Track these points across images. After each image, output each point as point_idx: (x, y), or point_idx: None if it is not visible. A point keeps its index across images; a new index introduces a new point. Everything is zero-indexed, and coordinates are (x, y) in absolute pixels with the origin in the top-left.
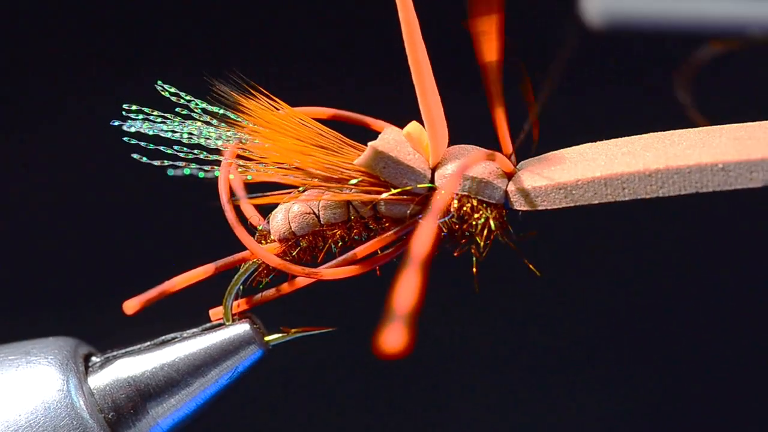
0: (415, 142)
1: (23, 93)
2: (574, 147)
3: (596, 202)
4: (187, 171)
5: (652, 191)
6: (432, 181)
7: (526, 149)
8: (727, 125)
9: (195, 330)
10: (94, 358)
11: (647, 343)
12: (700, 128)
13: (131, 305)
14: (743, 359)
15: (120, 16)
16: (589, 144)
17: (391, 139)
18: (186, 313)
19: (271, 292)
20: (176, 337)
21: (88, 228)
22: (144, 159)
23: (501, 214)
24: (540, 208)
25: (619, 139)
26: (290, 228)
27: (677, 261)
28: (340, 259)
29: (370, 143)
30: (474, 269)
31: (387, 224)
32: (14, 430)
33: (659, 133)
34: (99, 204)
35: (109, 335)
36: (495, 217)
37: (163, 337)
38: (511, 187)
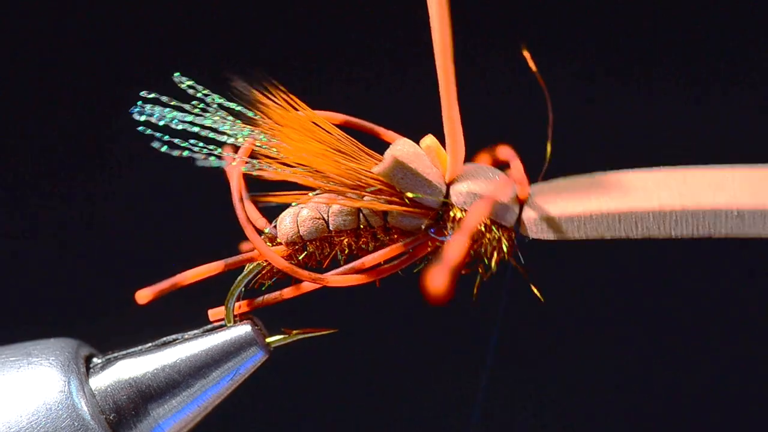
0: (432, 156)
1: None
2: (585, 175)
3: (608, 236)
4: (213, 160)
5: (665, 231)
6: (447, 196)
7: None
8: (739, 167)
9: (196, 331)
10: (95, 359)
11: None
12: (713, 169)
13: (144, 295)
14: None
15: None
16: (600, 173)
17: (410, 150)
18: (186, 315)
19: (273, 296)
20: (177, 339)
21: (89, 228)
22: (165, 148)
23: (511, 236)
24: (552, 238)
25: (630, 171)
26: (298, 232)
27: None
28: (346, 267)
29: (390, 152)
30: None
31: (396, 235)
32: (15, 431)
33: (671, 169)
34: (100, 203)
35: (110, 336)
36: (507, 239)
37: (164, 339)
38: (525, 214)
